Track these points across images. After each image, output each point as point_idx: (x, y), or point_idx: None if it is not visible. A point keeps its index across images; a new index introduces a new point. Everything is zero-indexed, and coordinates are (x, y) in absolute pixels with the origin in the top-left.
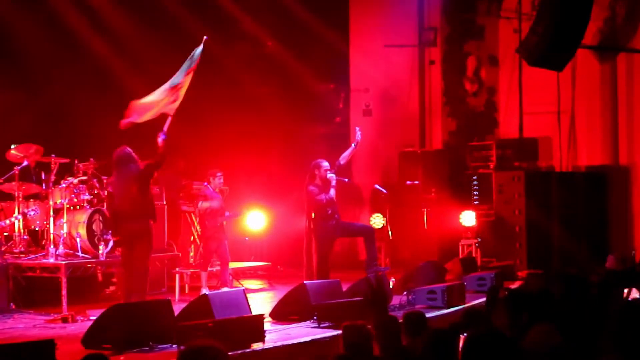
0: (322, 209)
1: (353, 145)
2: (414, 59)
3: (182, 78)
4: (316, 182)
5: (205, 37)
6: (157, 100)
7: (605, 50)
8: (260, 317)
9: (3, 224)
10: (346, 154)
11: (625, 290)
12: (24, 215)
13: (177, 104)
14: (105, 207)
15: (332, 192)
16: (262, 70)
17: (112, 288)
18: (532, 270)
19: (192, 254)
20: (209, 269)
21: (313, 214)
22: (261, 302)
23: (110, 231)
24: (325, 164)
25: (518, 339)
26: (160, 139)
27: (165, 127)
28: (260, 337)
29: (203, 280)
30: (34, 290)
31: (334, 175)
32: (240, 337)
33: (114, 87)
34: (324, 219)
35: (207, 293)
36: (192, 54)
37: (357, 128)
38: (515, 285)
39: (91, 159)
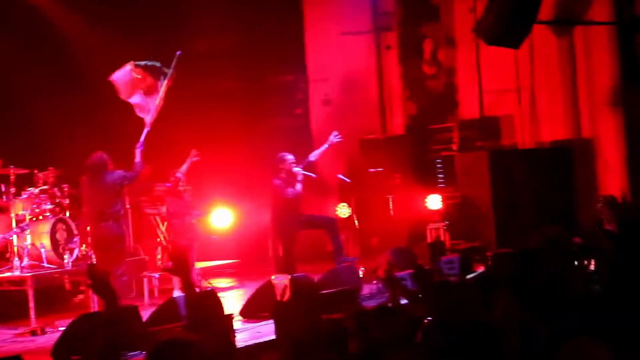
0: (288, 203)
1: (326, 145)
2: (371, 45)
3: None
4: (281, 175)
5: (178, 52)
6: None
7: (562, 24)
8: (230, 317)
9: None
10: (317, 152)
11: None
12: (22, 230)
13: (152, 115)
14: (68, 215)
15: (299, 186)
16: (218, 65)
17: (80, 297)
18: (500, 250)
19: (159, 256)
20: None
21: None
22: (232, 300)
23: (75, 239)
24: (290, 157)
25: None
26: (137, 151)
27: (142, 138)
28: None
29: (176, 283)
30: (1, 305)
31: (300, 169)
32: None
33: (68, 95)
34: (288, 213)
35: (175, 296)
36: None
37: (335, 133)
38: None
39: (50, 167)
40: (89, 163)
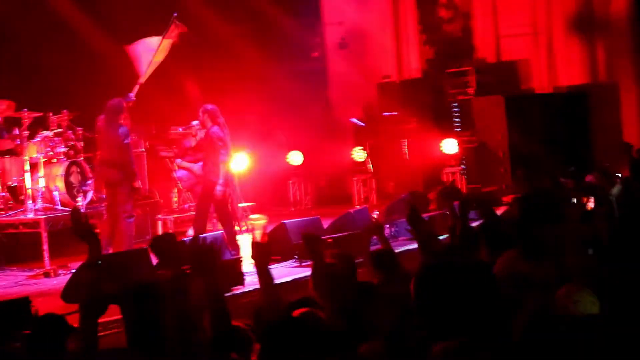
0: None
1: None
2: None
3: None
4: None
5: (175, 14)
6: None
7: None
8: (238, 260)
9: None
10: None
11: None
12: None
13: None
14: (82, 158)
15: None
16: (232, 11)
17: None
18: (517, 195)
19: (175, 199)
20: None
21: None
22: (248, 243)
23: (89, 182)
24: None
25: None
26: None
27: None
28: (240, 281)
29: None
30: (16, 247)
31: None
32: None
33: (82, 39)
34: None
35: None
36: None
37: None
38: (500, 210)
39: (64, 110)
40: (109, 106)
